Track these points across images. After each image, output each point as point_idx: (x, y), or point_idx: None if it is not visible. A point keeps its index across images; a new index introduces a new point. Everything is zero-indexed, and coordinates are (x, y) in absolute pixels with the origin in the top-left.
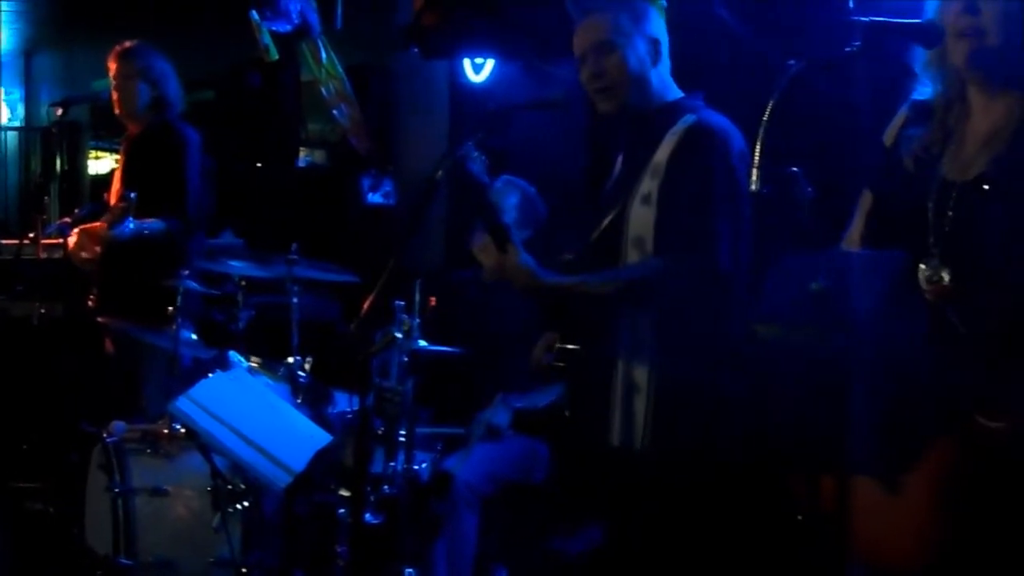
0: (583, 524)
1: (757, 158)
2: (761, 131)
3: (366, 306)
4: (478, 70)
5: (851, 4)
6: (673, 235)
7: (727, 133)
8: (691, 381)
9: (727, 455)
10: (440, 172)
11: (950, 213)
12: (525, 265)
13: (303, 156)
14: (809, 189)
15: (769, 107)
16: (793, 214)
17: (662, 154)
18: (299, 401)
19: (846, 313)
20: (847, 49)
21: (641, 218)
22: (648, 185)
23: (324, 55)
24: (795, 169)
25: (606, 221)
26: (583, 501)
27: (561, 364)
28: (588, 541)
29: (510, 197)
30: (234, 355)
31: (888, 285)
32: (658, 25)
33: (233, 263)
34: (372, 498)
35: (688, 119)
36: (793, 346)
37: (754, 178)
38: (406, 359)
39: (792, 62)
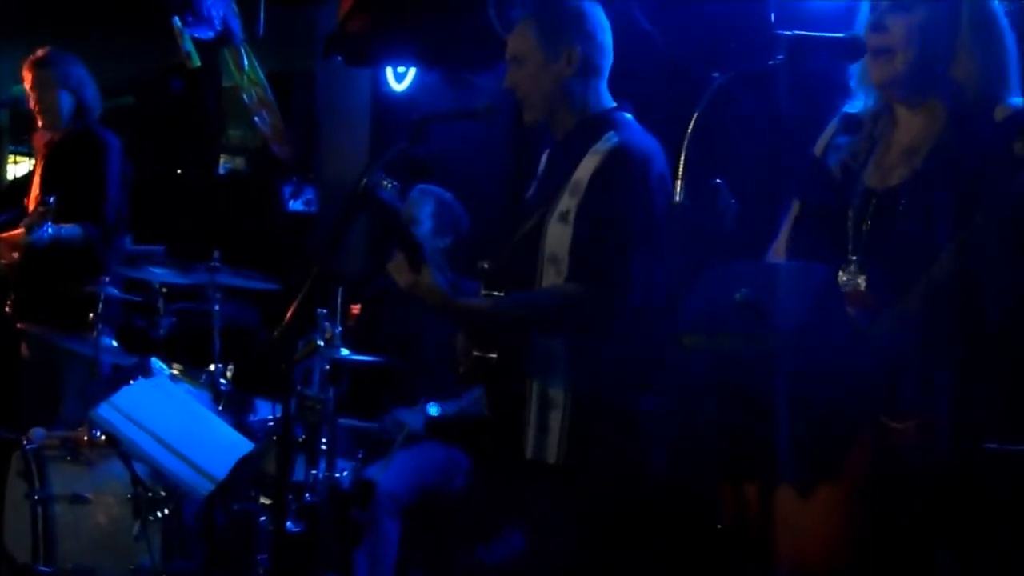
0: (503, 532)
1: (681, 170)
2: (684, 143)
3: (289, 314)
4: (400, 79)
5: (772, 18)
6: (587, 266)
7: (648, 157)
8: (607, 399)
9: (643, 469)
10: (364, 182)
11: (869, 221)
12: (437, 288)
13: (224, 163)
14: (732, 200)
15: (693, 119)
16: (716, 225)
17: (583, 172)
18: (220, 408)
19: (770, 322)
20: (770, 63)
21: (558, 236)
22: (567, 202)
23: (246, 62)
24: (718, 181)
25: (522, 231)
26: (502, 509)
27: (477, 373)
28: (508, 549)
29: (425, 206)
30: (155, 362)
31: (812, 296)
32: (583, 34)
33: (154, 270)
34: (293, 506)
35: (611, 139)
36: (717, 355)
37: (678, 189)
38: (328, 367)
39: (716, 75)
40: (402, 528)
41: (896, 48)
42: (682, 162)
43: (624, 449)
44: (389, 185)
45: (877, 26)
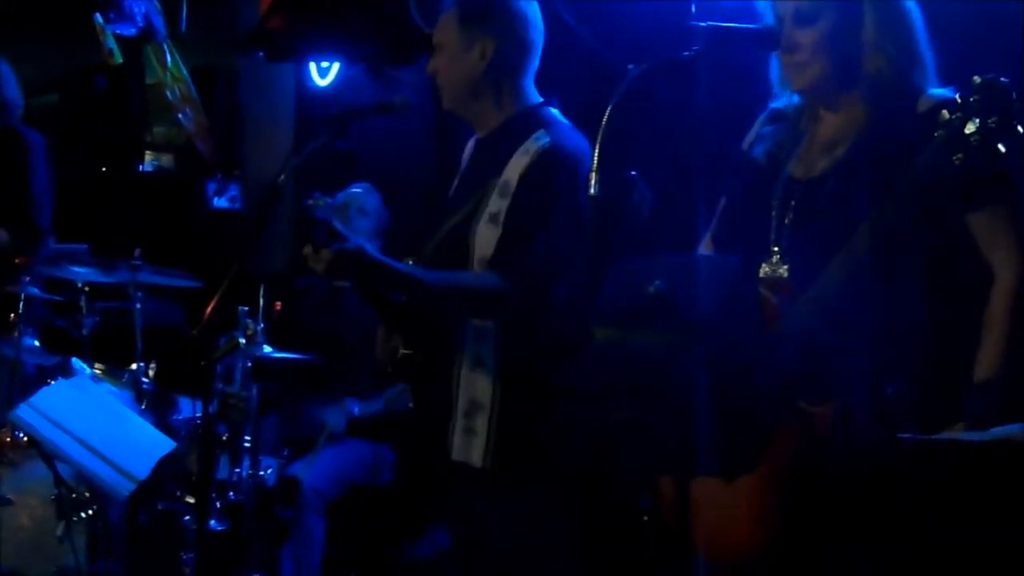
0: (430, 527)
1: (595, 162)
2: (599, 135)
3: (208, 311)
4: (324, 74)
5: (693, 8)
6: (511, 263)
7: (577, 159)
8: (534, 401)
9: (570, 471)
10: (283, 177)
11: (791, 211)
12: (355, 246)
13: (151, 160)
14: (647, 193)
15: (607, 111)
16: (631, 218)
17: (512, 173)
18: (143, 408)
19: (684, 315)
20: (685, 54)
21: (488, 237)
22: (497, 203)
23: (169, 58)
24: (633, 173)
25: (447, 229)
26: (428, 505)
27: (404, 372)
28: (435, 544)
29: (370, 200)
30: (77, 362)
31: (724, 287)
32: (504, 27)
33: (76, 269)
34: (217, 505)
35: (541, 139)
36: (632, 348)
37: (592, 182)
38: (250, 364)
39: (631, 66)
40: (328, 525)
41: (809, 62)
42: (596, 154)
43: (551, 452)
44: (321, 202)
45: (788, 46)
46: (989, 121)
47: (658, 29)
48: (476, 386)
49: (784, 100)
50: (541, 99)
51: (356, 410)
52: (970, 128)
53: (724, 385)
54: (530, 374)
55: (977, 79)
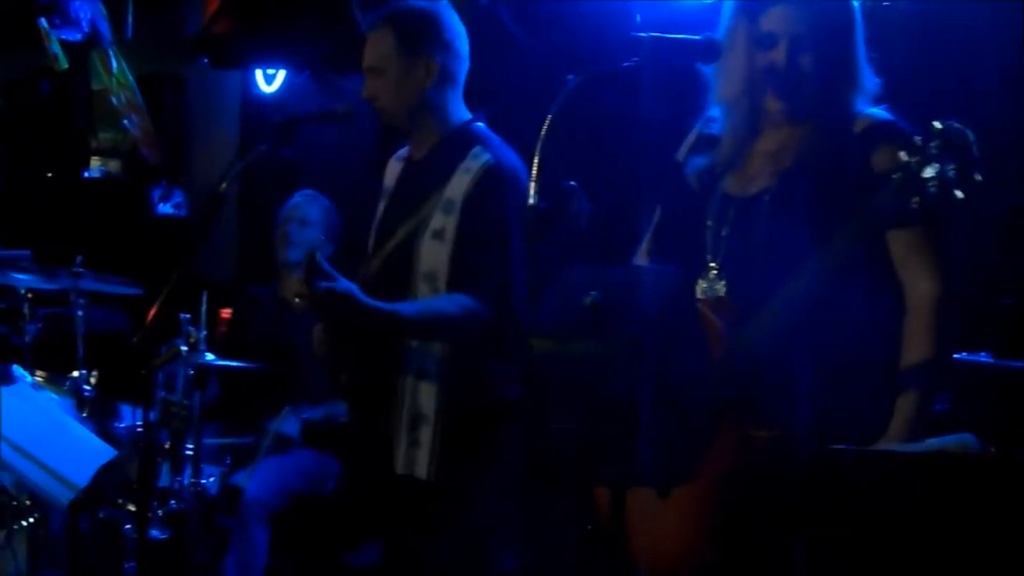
0: (369, 538)
1: (535, 172)
2: (539, 145)
3: (149, 318)
4: (270, 81)
5: (638, 19)
6: (476, 282)
7: (518, 173)
8: (478, 412)
9: (513, 481)
10: (225, 184)
11: (729, 228)
12: (344, 289)
13: (98, 166)
14: (586, 203)
15: (547, 121)
16: (570, 228)
17: (455, 191)
18: (84, 415)
19: (619, 325)
20: (626, 64)
21: (433, 253)
22: (441, 220)
23: (114, 64)
24: (572, 183)
25: (389, 248)
26: (368, 516)
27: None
28: (374, 555)
29: (314, 207)
30: (17, 369)
31: (662, 298)
32: (441, 43)
33: (18, 275)
34: (159, 513)
35: (482, 157)
36: (568, 358)
37: (532, 192)
38: (192, 372)
39: (570, 77)
40: (272, 534)
41: (780, 64)
42: (536, 164)
43: (494, 463)
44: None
45: (768, 41)
46: (948, 168)
47: (601, 40)
48: (420, 399)
49: (717, 120)
50: (471, 115)
51: (309, 415)
52: (928, 173)
53: (664, 398)
54: (474, 385)
55: (937, 125)
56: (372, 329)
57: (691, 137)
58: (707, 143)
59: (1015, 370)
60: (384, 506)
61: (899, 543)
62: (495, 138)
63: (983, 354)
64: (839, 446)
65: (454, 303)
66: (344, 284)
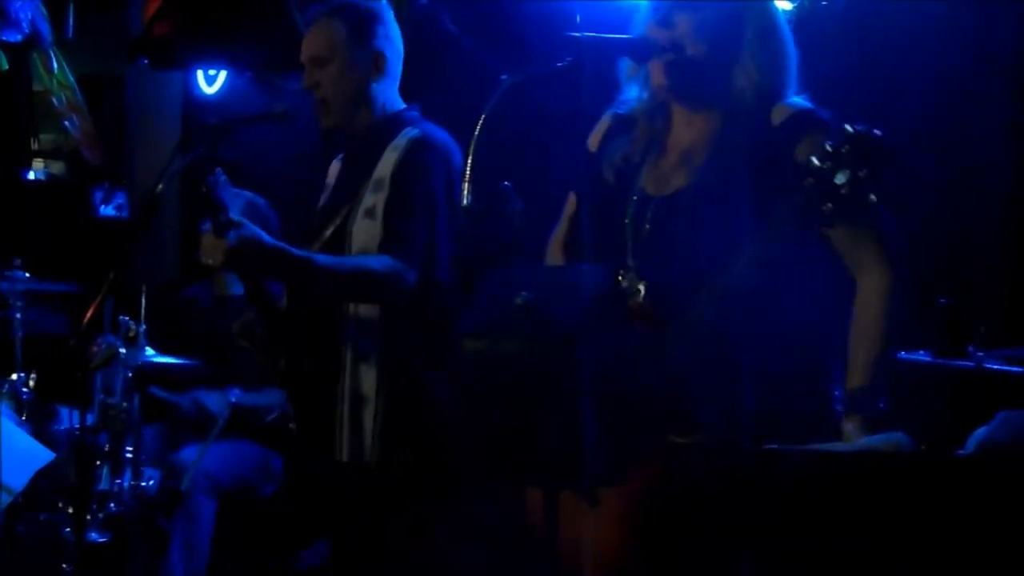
0: (312, 538)
1: (468, 172)
2: (472, 145)
3: (86, 319)
4: (211, 82)
5: (578, 19)
6: (400, 242)
7: (448, 149)
8: (418, 391)
9: (454, 467)
10: (161, 186)
11: (647, 227)
12: (251, 232)
13: (41, 168)
14: (519, 203)
15: (481, 121)
16: (503, 228)
17: (384, 168)
18: (22, 418)
19: (553, 326)
20: (560, 64)
21: (365, 231)
22: (372, 199)
23: (55, 65)
24: (506, 183)
25: (327, 234)
26: (312, 515)
27: (285, 379)
28: (317, 556)
29: (232, 207)
30: None
31: (590, 298)
32: (385, 37)
33: None
34: (99, 516)
35: (410, 132)
36: (499, 359)
37: (465, 192)
38: (131, 374)
39: (504, 76)
40: (219, 509)
41: (683, 44)
42: (469, 164)
43: (436, 443)
44: (222, 180)
45: (665, 21)
46: (859, 173)
47: (539, 38)
48: (361, 380)
49: (630, 101)
50: (405, 105)
51: (234, 397)
52: (840, 179)
53: (594, 400)
54: (413, 363)
55: (849, 128)
56: (284, 276)
57: (603, 122)
58: (625, 125)
59: (953, 368)
60: (330, 498)
61: (829, 543)
62: (427, 122)
63: (922, 352)
64: (768, 446)
65: (377, 260)
66: (250, 227)
